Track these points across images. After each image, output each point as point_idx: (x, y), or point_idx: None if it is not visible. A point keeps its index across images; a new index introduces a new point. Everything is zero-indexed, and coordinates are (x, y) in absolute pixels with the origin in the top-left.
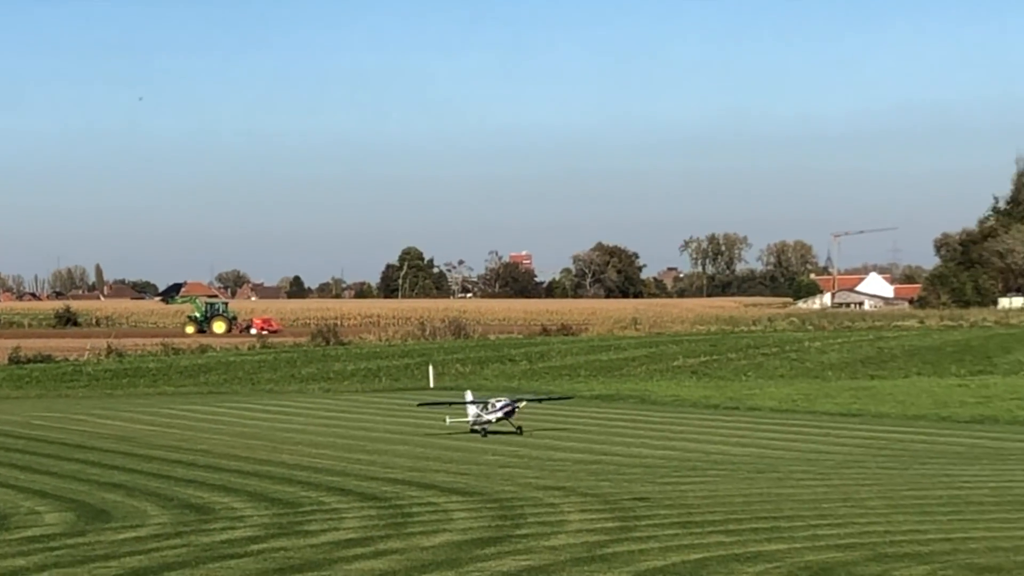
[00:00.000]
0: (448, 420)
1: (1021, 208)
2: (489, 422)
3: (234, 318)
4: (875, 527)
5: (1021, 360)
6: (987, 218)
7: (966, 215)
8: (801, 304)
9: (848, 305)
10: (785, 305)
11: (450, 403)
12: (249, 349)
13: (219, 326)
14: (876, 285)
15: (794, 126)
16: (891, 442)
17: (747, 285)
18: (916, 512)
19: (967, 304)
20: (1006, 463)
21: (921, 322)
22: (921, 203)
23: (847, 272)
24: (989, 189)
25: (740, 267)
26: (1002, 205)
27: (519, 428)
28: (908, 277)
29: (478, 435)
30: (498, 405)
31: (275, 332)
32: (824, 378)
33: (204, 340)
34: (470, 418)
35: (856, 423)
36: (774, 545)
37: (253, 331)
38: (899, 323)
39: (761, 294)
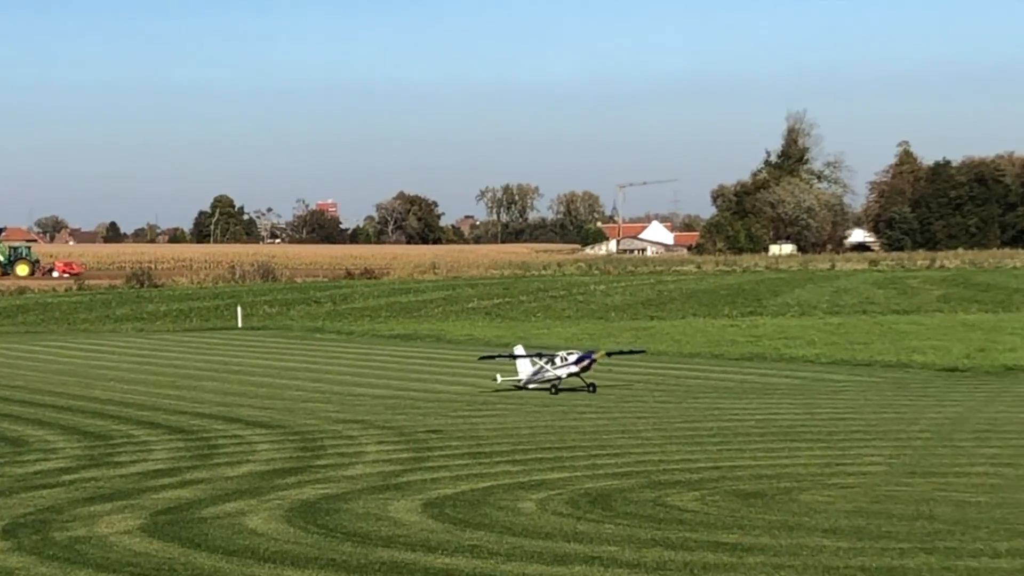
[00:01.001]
0: (498, 378)
1: (790, 161)
2: (559, 378)
3: (37, 261)
4: (650, 456)
5: (788, 302)
6: (759, 171)
7: (740, 168)
8: (588, 250)
9: (632, 251)
10: (574, 251)
11: (512, 356)
12: (66, 291)
13: (22, 269)
14: (658, 233)
15: (581, 84)
16: (667, 378)
17: (539, 233)
18: (688, 443)
19: (741, 251)
20: (772, 397)
21: (698, 267)
22: (699, 157)
23: (631, 221)
24: (762, 144)
25: (532, 216)
26: (773, 159)
27: (591, 385)
28: (687, 226)
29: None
30: (570, 359)
31: (76, 275)
32: (608, 319)
33: (23, 283)
34: (523, 375)
35: (636, 360)
36: (557, 474)
37: (55, 274)
38: (678, 268)
39: (552, 241)
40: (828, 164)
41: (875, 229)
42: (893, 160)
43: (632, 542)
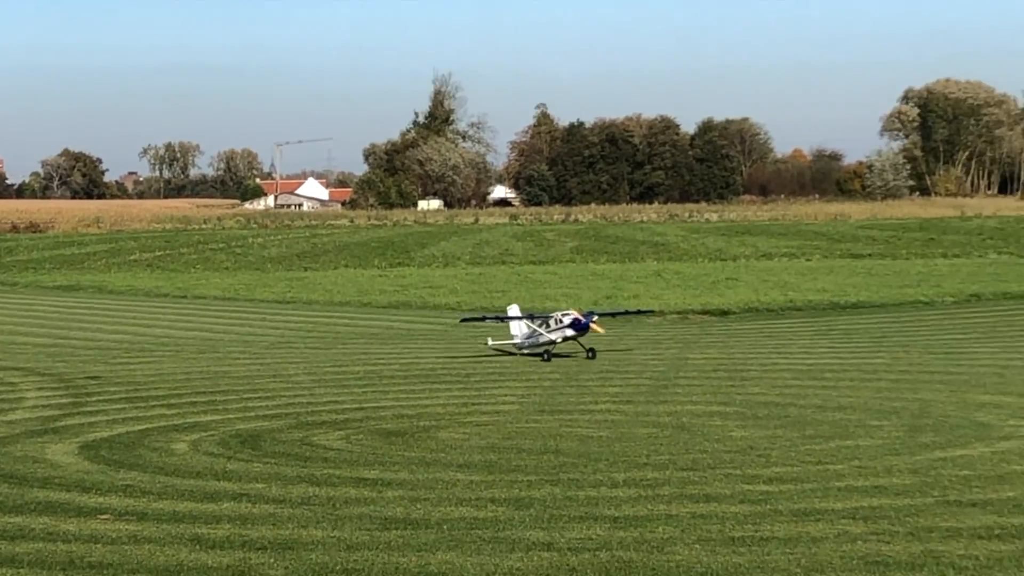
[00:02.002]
0: (490, 342)
1: (437, 122)
2: (552, 342)
3: None
4: (299, 399)
5: (434, 254)
6: (408, 131)
7: (391, 128)
8: (248, 205)
9: (289, 206)
10: (233, 206)
11: (499, 319)
12: None
13: None
14: (313, 189)
15: (240, 46)
16: (318, 325)
17: (200, 188)
18: (336, 385)
19: (391, 206)
20: (415, 342)
21: (351, 221)
22: (352, 117)
23: (288, 177)
24: (410, 106)
25: (194, 172)
26: (421, 120)
27: (591, 351)
28: (341, 182)
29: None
30: (564, 320)
31: None
32: (264, 270)
33: None
34: (518, 338)
35: (289, 309)
36: (210, 416)
37: None
38: (332, 222)
39: (213, 196)
40: (472, 125)
41: (515, 186)
42: (532, 121)
43: (279, 479)
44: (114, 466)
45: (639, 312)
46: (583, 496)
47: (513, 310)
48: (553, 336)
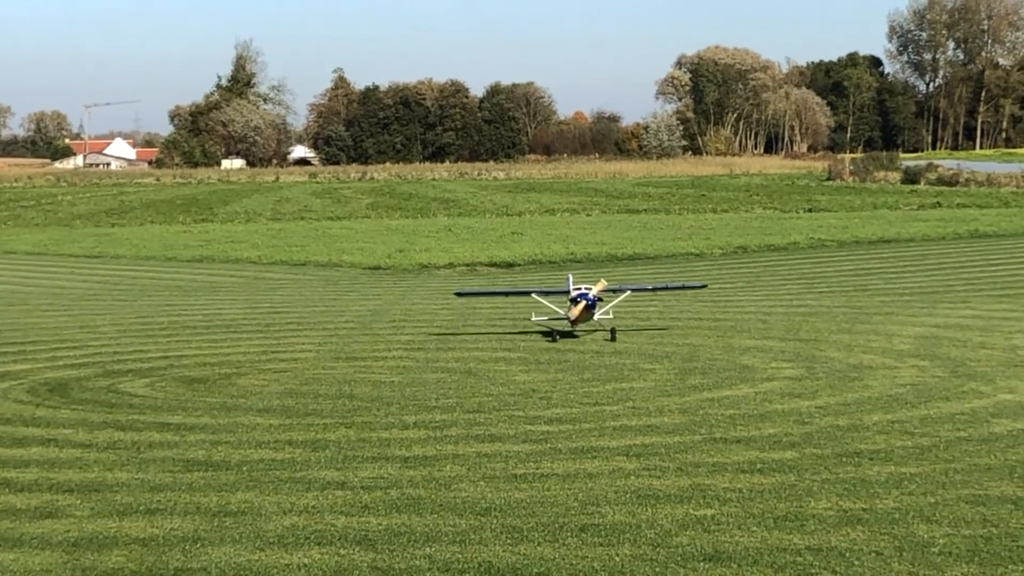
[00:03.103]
0: (534, 317)
1: (239, 85)
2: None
3: None
4: (106, 348)
5: (237, 211)
6: (212, 93)
7: (195, 91)
8: (58, 165)
9: (98, 165)
10: (44, 166)
11: (491, 293)
12: None
13: None
14: (121, 149)
15: (47, 5)
16: (125, 279)
17: (11, 148)
18: (141, 336)
19: (196, 165)
20: (218, 294)
21: (157, 180)
22: (158, 80)
23: (97, 138)
24: (214, 70)
25: (5, 133)
26: (224, 83)
27: (612, 332)
28: (148, 142)
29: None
30: (573, 292)
31: None
32: (73, 226)
33: None
34: (562, 313)
35: (97, 263)
36: (19, 365)
37: None
38: (139, 181)
39: (24, 156)
40: (273, 88)
41: (315, 146)
42: (330, 85)
43: (85, 425)
44: None
45: (684, 287)
46: (375, 438)
47: (571, 281)
48: (567, 315)
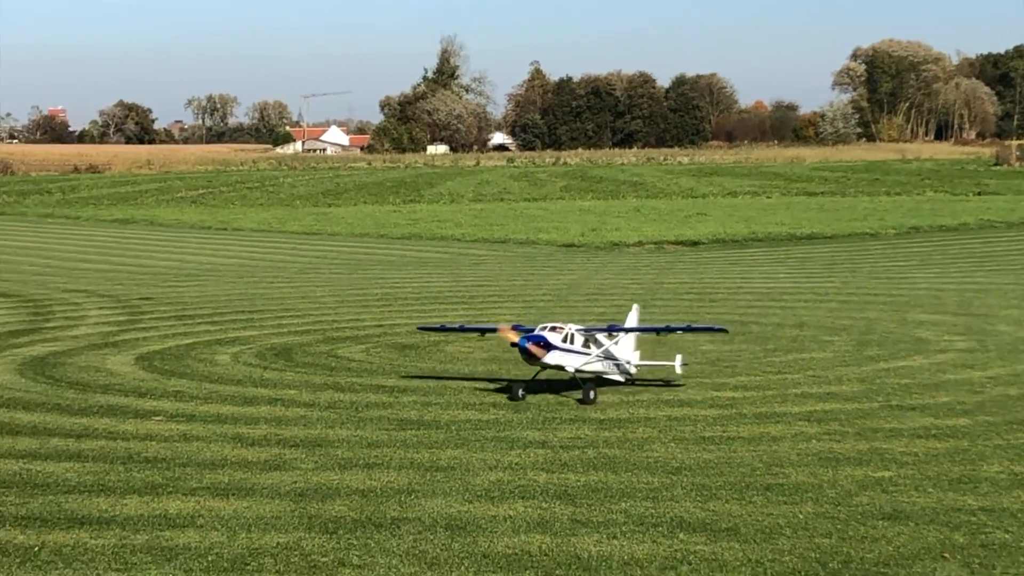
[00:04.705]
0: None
1: (444, 77)
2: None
3: None
4: (326, 317)
5: (441, 192)
6: (419, 84)
7: (403, 82)
8: (279, 150)
9: (314, 151)
10: (267, 151)
11: (451, 330)
12: None
13: None
14: (336, 136)
15: (274, 7)
16: (341, 254)
17: (237, 135)
18: (357, 306)
19: (404, 150)
20: (426, 268)
21: (369, 164)
22: (369, 72)
23: (314, 125)
24: (421, 62)
25: (232, 120)
26: (430, 75)
27: (585, 393)
28: (360, 129)
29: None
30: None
31: None
32: (293, 206)
33: None
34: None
35: (316, 240)
36: (248, 332)
37: None
38: (352, 165)
39: (248, 142)
40: (475, 79)
41: (512, 133)
42: (527, 76)
43: (309, 386)
44: (165, 375)
45: (713, 329)
46: (573, 401)
47: (634, 315)
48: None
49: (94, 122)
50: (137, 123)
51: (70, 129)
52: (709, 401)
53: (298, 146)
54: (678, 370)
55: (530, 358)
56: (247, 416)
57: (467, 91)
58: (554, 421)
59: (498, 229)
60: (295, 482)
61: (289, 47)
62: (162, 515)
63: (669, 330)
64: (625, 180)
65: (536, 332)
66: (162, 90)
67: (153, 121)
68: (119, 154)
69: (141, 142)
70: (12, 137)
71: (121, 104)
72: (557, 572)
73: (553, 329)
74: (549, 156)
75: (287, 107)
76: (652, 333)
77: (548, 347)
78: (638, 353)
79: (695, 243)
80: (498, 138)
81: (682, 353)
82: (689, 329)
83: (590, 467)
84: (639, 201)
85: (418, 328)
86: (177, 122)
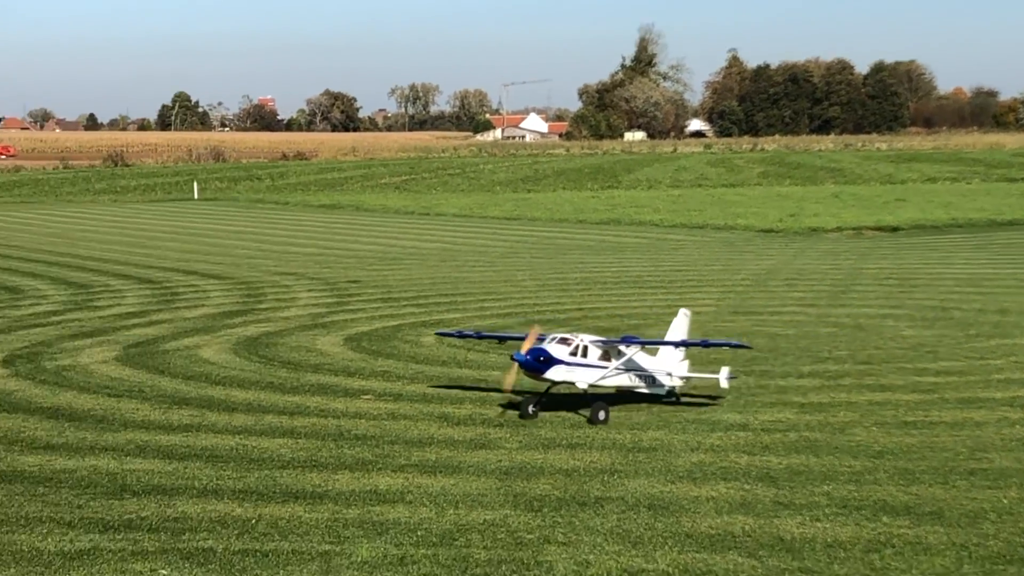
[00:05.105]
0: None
1: (641, 65)
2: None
3: None
4: (527, 300)
5: (639, 178)
6: (617, 72)
7: (601, 71)
8: (479, 137)
9: (513, 138)
10: (467, 138)
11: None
12: (54, 169)
13: None
14: (535, 123)
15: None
16: (541, 239)
17: (439, 123)
18: (557, 289)
19: (601, 137)
20: (624, 253)
21: (567, 151)
22: (568, 61)
23: (513, 113)
24: (619, 51)
25: (434, 109)
26: (628, 63)
27: (595, 412)
28: (558, 117)
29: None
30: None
31: (12, 156)
32: (494, 192)
33: (19, 161)
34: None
35: (516, 225)
36: (452, 315)
37: None
38: (551, 151)
39: (449, 130)
40: (672, 67)
41: (709, 119)
42: (724, 64)
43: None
44: (373, 355)
45: (727, 344)
46: (773, 385)
47: (682, 319)
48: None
49: (301, 111)
50: (342, 111)
51: (278, 118)
52: (911, 386)
53: (498, 133)
54: (723, 384)
55: (530, 373)
56: (453, 396)
57: (664, 78)
58: (755, 404)
59: (696, 215)
60: (500, 461)
61: (490, 36)
62: (372, 491)
63: (685, 345)
64: (823, 166)
65: (540, 345)
66: (367, 79)
67: (358, 110)
68: (325, 142)
69: (346, 130)
70: (223, 125)
71: (327, 93)
72: (761, 553)
73: (563, 341)
74: (746, 142)
75: (487, 95)
76: (669, 347)
77: (550, 361)
78: (687, 364)
79: (894, 229)
80: (695, 125)
81: (730, 366)
82: (706, 344)
83: (792, 450)
84: (837, 187)
85: (436, 334)
86: (381, 110)
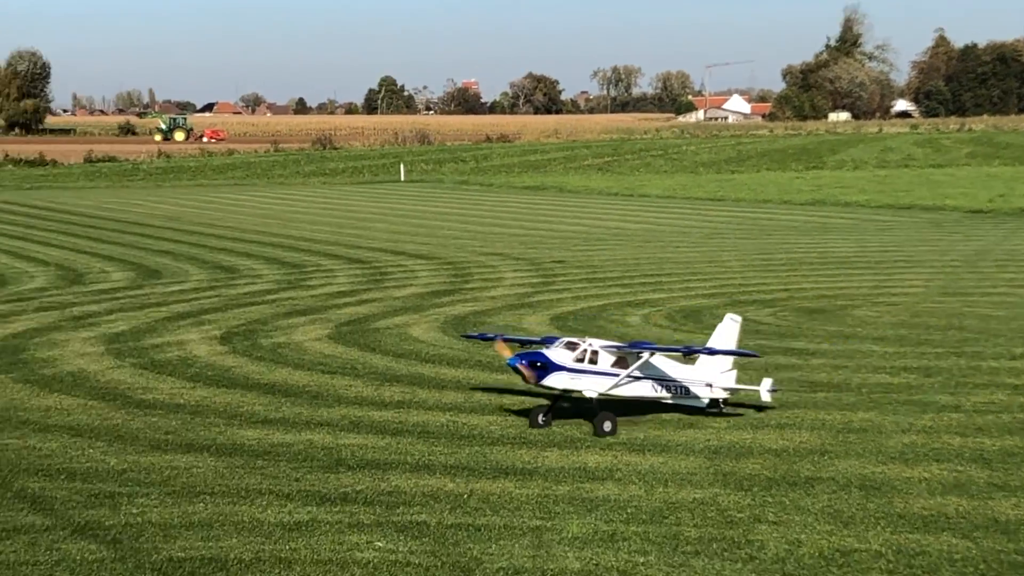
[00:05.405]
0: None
1: (846, 45)
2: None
3: (190, 129)
4: (731, 281)
5: (844, 159)
6: (821, 53)
7: (805, 51)
8: (681, 118)
9: (716, 119)
10: (669, 119)
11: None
12: (265, 152)
13: (179, 135)
14: (737, 104)
15: None
16: (745, 220)
17: (640, 104)
18: (763, 270)
19: (805, 118)
20: (830, 234)
21: (770, 131)
22: (771, 42)
23: (716, 94)
24: (823, 31)
25: (636, 90)
26: (832, 43)
27: (600, 423)
28: (761, 98)
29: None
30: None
31: (221, 140)
32: (697, 173)
33: (232, 145)
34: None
35: (720, 206)
36: (656, 294)
37: (205, 139)
38: (754, 132)
39: (651, 111)
40: (877, 47)
41: (915, 100)
42: (930, 43)
43: None
44: (580, 335)
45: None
46: (985, 367)
47: (729, 323)
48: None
49: (504, 93)
50: (545, 94)
51: (482, 101)
52: None
53: (700, 115)
54: (764, 397)
55: (529, 379)
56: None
57: (869, 59)
58: (966, 386)
59: (903, 195)
60: (708, 440)
61: (692, 18)
62: (582, 468)
63: (690, 351)
64: None
65: (540, 349)
66: (569, 62)
67: (560, 92)
68: (528, 124)
69: (548, 112)
70: (428, 109)
71: (530, 76)
72: (975, 534)
73: (569, 345)
74: (953, 122)
75: (689, 77)
76: (675, 353)
77: (548, 367)
78: (733, 374)
79: None
80: (901, 105)
81: (773, 377)
82: (711, 352)
83: (1005, 432)
84: None
85: (462, 336)
86: (583, 93)
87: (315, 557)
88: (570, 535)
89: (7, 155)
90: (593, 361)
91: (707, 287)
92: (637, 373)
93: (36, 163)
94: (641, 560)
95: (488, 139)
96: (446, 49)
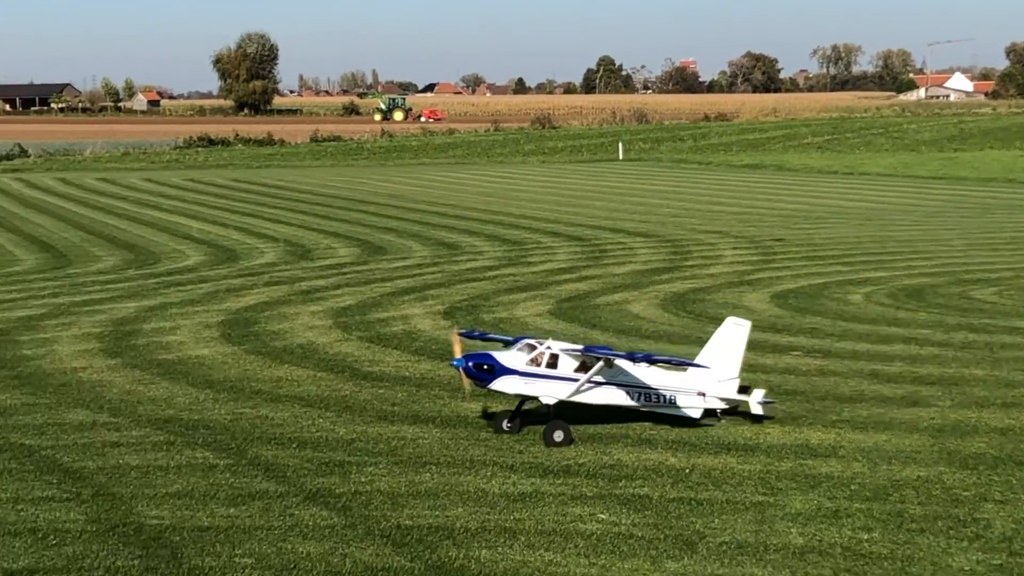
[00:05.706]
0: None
1: None
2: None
3: (409, 109)
4: (955, 260)
5: None
6: None
7: None
8: (902, 97)
9: (937, 97)
10: (889, 98)
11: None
12: (485, 131)
13: (398, 115)
14: (960, 82)
15: None
16: (968, 198)
17: (860, 83)
18: (987, 249)
19: None
20: None
21: (994, 109)
22: (996, 18)
23: (937, 72)
24: None
25: (856, 69)
26: None
27: (549, 431)
28: (984, 76)
29: None
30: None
31: (439, 120)
32: (918, 151)
33: (452, 124)
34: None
35: (942, 184)
36: (879, 273)
37: (423, 119)
38: (976, 111)
39: (871, 89)
40: None
41: None
42: None
43: (941, 327)
44: (800, 312)
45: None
46: None
47: (728, 332)
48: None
49: (723, 72)
50: (764, 72)
51: (700, 80)
52: None
53: (921, 93)
54: (754, 409)
55: (475, 383)
56: (882, 354)
57: None
58: None
59: None
60: (932, 418)
61: None
62: (804, 444)
63: (649, 360)
64: None
65: (495, 358)
66: (788, 40)
67: (779, 71)
68: (746, 103)
69: (767, 91)
70: (646, 88)
71: (749, 55)
72: None
73: (529, 347)
74: None
75: (911, 55)
76: (628, 362)
77: (495, 370)
78: (734, 383)
79: None
80: None
81: (765, 389)
82: (669, 362)
83: None
84: None
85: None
86: (802, 71)
87: (539, 528)
88: (793, 511)
89: (237, 134)
90: (552, 365)
91: (930, 266)
92: (599, 379)
93: (264, 142)
94: (865, 537)
95: (706, 118)
96: (664, 28)
